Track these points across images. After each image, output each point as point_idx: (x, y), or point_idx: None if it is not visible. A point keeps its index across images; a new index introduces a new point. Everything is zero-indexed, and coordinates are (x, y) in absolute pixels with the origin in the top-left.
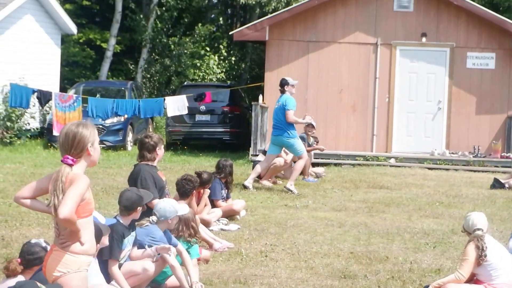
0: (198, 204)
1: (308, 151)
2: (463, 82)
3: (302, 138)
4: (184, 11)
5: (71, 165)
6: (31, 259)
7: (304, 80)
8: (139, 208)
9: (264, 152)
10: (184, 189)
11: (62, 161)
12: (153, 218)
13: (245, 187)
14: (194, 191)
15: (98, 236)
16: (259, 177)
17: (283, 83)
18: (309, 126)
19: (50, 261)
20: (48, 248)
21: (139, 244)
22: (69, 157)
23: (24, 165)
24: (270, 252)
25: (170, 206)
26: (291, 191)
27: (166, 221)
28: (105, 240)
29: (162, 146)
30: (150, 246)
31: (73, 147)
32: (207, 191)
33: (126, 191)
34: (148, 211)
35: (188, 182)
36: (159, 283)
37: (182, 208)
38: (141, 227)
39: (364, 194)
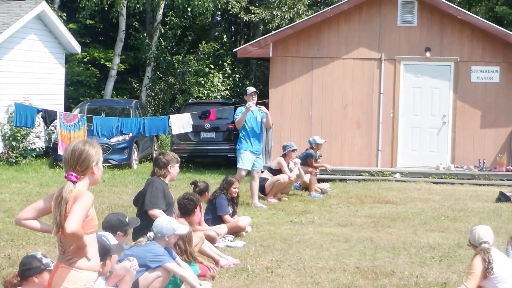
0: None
1: (315, 167)
2: (467, 96)
3: (310, 155)
4: (187, 29)
5: (74, 182)
6: (24, 269)
7: (308, 96)
8: (118, 232)
9: (270, 169)
10: (186, 209)
11: (65, 177)
12: (151, 234)
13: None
14: (196, 209)
15: (103, 254)
16: (264, 194)
17: (245, 93)
18: (321, 144)
19: (55, 279)
20: (44, 260)
21: (142, 264)
22: (73, 174)
23: (30, 185)
24: (276, 268)
25: (168, 223)
26: (259, 207)
27: (163, 238)
28: (115, 260)
29: (177, 165)
30: (154, 261)
31: (78, 164)
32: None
33: (110, 214)
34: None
35: (190, 202)
36: None
37: (181, 227)
38: (139, 245)
39: (369, 209)
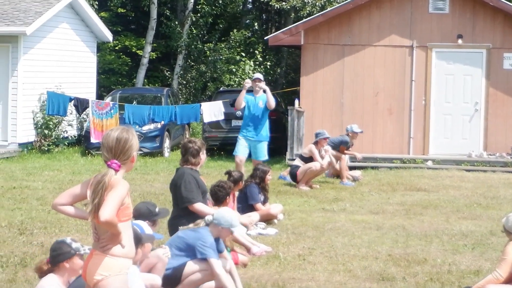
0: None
1: (344, 154)
2: (500, 83)
3: (345, 142)
4: (219, 17)
5: (116, 170)
6: (54, 255)
7: (339, 84)
8: (147, 221)
9: (301, 156)
10: (217, 196)
11: (108, 165)
12: (209, 217)
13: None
14: (228, 196)
15: (135, 242)
16: (296, 181)
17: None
18: (358, 133)
19: (90, 266)
20: (73, 245)
21: (190, 248)
22: (116, 161)
23: (63, 173)
24: (308, 255)
25: (229, 217)
26: None
27: (218, 227)
28: (148, 249)
29: (205, 151)
30: (200, 251)
31: (122, 153)
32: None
33: (140, 203)
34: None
35: (221, 189)
36: None
37: (238, 228)
38: (193, 228)
39: (401, 196)
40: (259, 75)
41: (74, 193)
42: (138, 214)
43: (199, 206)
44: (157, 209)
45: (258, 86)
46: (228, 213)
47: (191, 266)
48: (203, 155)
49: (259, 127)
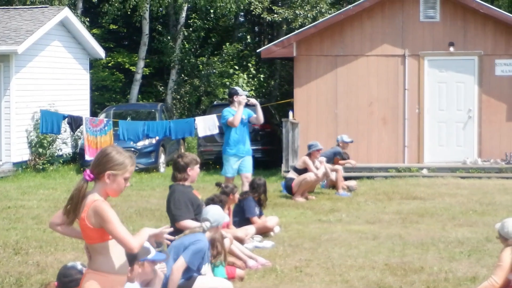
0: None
1: (341, 164)
2: (492, 89)
3: (338, 152)
4: (211, 31)
5: (87, 180)
6: (66, 281)
7: (333, 94)
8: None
9: (295, 169)
10: None
11: (83, 173)
12: (207, 224)
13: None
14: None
15: (130, 259)
16: (292, 193)
17: (232, 93)
18: (348, 143)
19: (84, 285)
20: (84, 270)
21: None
22: (89, 173)
23: (58, 191)
24: (305, 267)
25: (221, 211)
26: None
27: (216, 228)
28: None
29: (196, 166)
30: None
31: (96, 164)
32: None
33: None
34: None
35: (210, 202)
36: None
37: (226, 216)
38: (189, 234)
39: (397, 205)
40: (244, 91)
41: None
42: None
43: (185, 223)
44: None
45: (251, 102)
46: (216, 209)
47: (202, 284)
48: (192, 171)
49: (247, 142)
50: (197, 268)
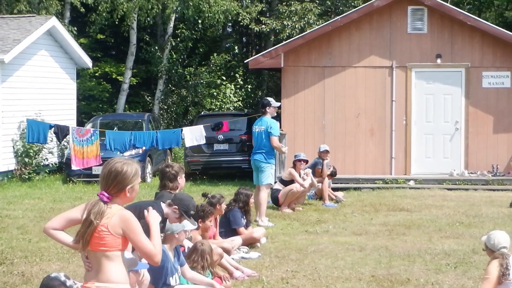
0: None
1: (323, 176)
2: (479, 101)
3: (317, 163)
4: (199, 41)
5: (105, 202)
6: None
7: (321, 105)
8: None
9: (281, 180)
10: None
11: (98, 195)
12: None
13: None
14: (202, 219)
15: None
16: (278, 204)
17: (265, 104)
18: (324, 152)
19: None
20: (68, 282)
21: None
22: (105, 193)
23: (43, 201)
24: (291, 278)
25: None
26: (266, 226)
27: (173, 235)
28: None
29: (183, 175)
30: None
31: (112, 185)
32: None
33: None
34: None
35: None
36: None
37: (189, 224)
38: None
39: (384, 217)
40: (275, 102)
41: (69, 218)
42: (180, 199)
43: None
44: (193, 213)
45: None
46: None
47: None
48: (181, 180)
49: None
50: (163, 283)
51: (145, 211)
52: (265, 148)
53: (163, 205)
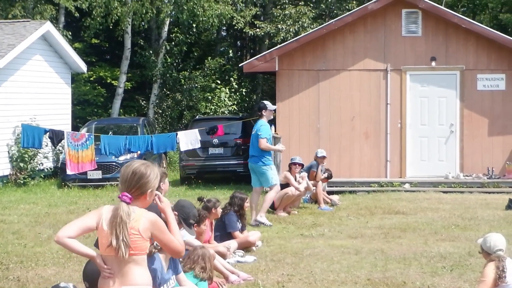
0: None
1: (317, 180)
2: (474, 104)
3: (313, 166)
4: (193, 45)
5: (128, 203)
6: None
7: (315, 109)
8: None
9: None
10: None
11: (119, 197)
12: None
13: (260, 224)
14: (198, 224)
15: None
16: (274, 208)
17: (261, 107)
18: (321, 158)
19: None
20: None
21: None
22: (127, 194)
23: (39, 205)
24: (287, 282)
25: None
26: (262, 223)
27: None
28: None
29: (166, 180)
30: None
31: (135, 187)
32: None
33: (185, 200)
34: None
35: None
36: None
37: (187, 234)
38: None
39: (379, 220)
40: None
41: (84, 226)
42: (181, 206)
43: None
44: (193, 222)
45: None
46: None
47: None
48: (164, 185)
49: None
50: None
51: (157, 199)
52: (256, 151)
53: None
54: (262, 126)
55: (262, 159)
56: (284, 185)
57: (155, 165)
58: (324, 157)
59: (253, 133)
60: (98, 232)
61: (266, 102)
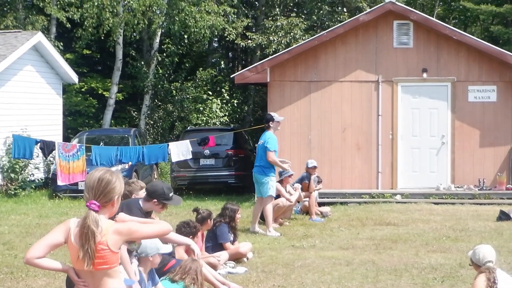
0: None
1: (310, 191)
2: (465, 115)
3: (304, 178)
4: (185, 56)
5: (96, 211)
6: None
7: (307, 120)
8: (155, 200)
9: None
10: (180, 232)
11: (87, 205)
12: (134, 253)
13: (255, 232)
14: (193, 236)
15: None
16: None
17: (268, 119)
18: (312, 168)
19: None
20: None
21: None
22: (95, 202)
23: (29, 216)
24: None
25: (151, 243)
26: (272, 236)
27: (147, 258)
28: None
29: (141, 192)
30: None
31: (102, 194)
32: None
33: (159, 180)
34: None
35: (185, 225)
36: None
37: (165, 247)
38: None
39: (371, 231)
40: (278, 117)
41: (50, 243)
42: (153, 191)
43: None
44: (171, 195)
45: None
46: (148, 241)
47: None
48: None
49: None
50: None
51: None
52: (263, 161)
53: (141, 202)
54: (270, 139)
55: (265, 170)
56: (275, 196)
57: (117, 171)
58: (315, 167)
59: (259, 144)
60: (68, 246)
61: (273, 113)
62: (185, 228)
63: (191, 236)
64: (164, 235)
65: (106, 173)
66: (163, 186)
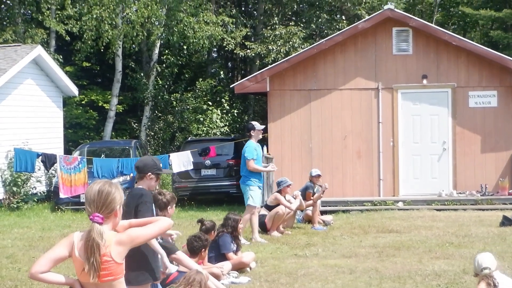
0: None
1: (315, 200)
2: (466, 121)
3: (308, 187)
4: (184, 67)
5: (100, 224)
6: None
7: (307, 128)
8: (149, 174)
9: (266, 205)
10: (192, 246)
11: (91, 219)
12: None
13: (257, 242)
14: (205, 248)
15: None
16: (266, 229)
17: (249, 128)
18: (316, 176)
19: None
20: None
21: None
22: (98, 215)
23: (32, 229)
24: None
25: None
26: (258, 242)
27: None
28: None
29: (174, 205)
30: None
31: (104, 206)
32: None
33: (148, 156)
34: None
35: (197, 239)
36: None
37: (172, 267)
38: None
39: (373, 239)
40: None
41: (55, 257)
42: (143, 165)
43: (180, 255)
44: (161, 165)
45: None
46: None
47: None
48: (171, 209)
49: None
50: None
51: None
52: (243, 171)
53: (140, 186)
54: (248, 147)
55: (247, 180)
56: (274, 206)
57: (116, 182)
58: (319, 176)
59: (242, 154)
60: (72, 260)
61: (253, 122)
62: (197, 242)
63: (203, 249)
64: (166, 231)
65: (105, 185)
66: (152, 158)
